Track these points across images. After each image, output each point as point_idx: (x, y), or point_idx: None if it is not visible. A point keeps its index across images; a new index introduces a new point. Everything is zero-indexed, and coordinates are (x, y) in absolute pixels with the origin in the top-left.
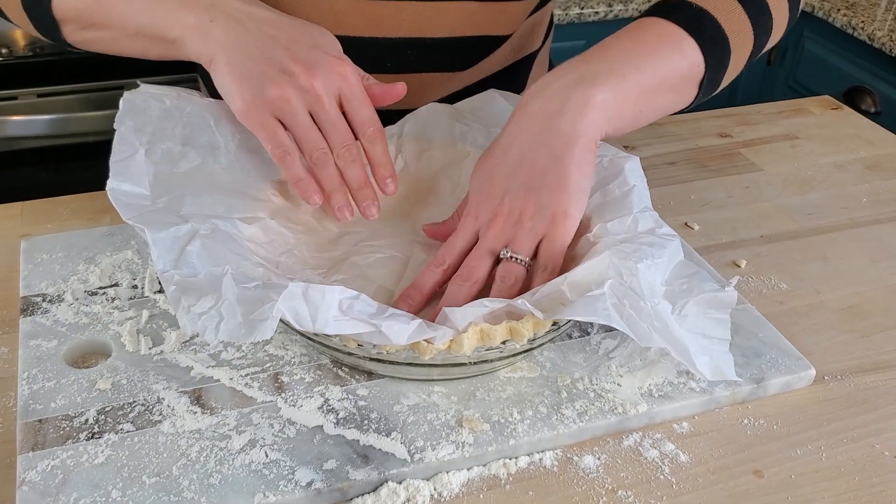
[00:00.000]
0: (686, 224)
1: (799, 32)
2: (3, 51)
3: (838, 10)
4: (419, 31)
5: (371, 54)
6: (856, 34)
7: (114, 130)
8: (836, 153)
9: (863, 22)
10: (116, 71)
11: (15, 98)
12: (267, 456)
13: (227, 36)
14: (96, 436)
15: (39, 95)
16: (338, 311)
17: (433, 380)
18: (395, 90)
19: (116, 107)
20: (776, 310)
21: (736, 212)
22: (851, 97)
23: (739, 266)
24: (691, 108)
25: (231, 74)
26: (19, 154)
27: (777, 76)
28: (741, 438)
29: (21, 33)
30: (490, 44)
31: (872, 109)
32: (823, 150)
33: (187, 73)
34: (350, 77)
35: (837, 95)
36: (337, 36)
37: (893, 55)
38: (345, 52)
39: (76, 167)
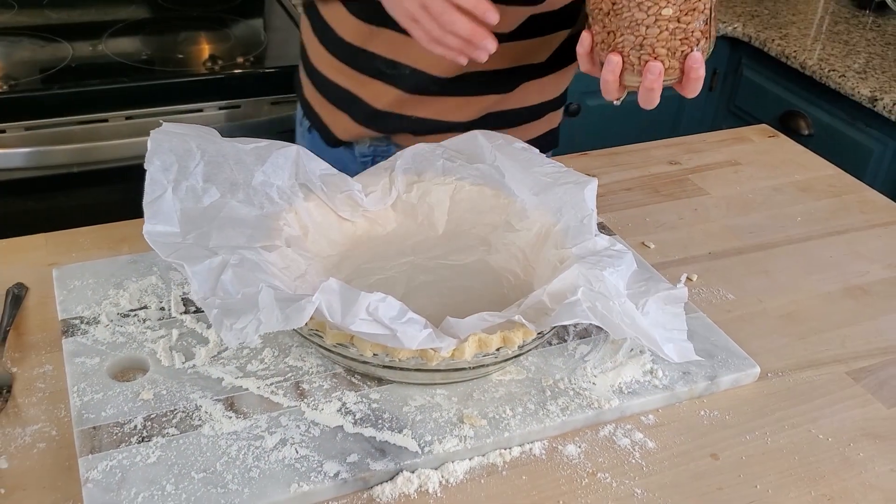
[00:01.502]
0: (643, 243)
1: (737, 60)
2: None
3: (773, 40)
4: None
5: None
6: (789, 62)
7: (95, 162)
8: (774, 177)
9: (795, 51)
10: (98, 106)
11: (3, 131)
12: (297, 452)
13: None
14: (146, 439)
15: (27, 129)
16: (365, 312)
17: (436, 384)
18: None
19: (97, 139)
20: (725, 317)
21: (686, 232)
22: (787, 121)
23: (691, 280)
24: None
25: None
26: (7, 185)
27: (718, 102)
28: (699, 427)
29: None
30: None
31: (806, 132)
32: (762, 174)
33: (160, 107)
34: None
35: (774, 119)
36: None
37: (822, 82)
38: None
39: (61, 197)
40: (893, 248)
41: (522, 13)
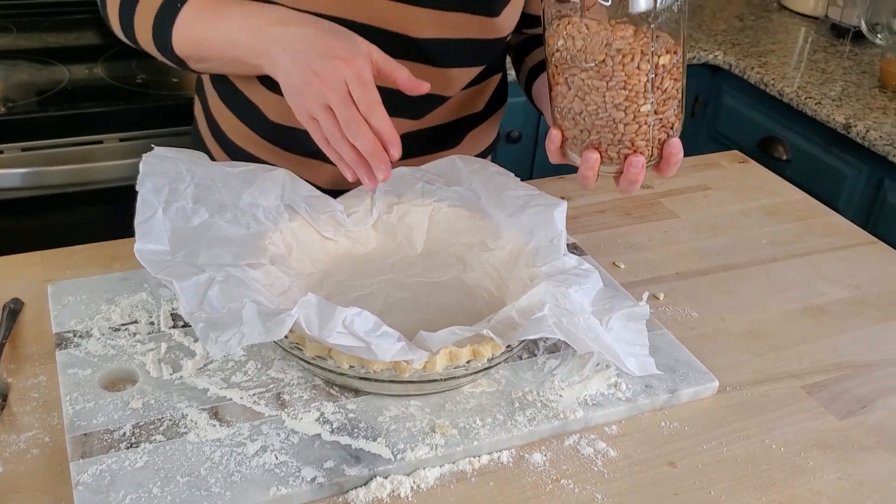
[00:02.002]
0: (614, 263)
1: (718, 87)
2: None
3: (752, 68)
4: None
5: None
6: (767, 90)
7: (90, 183)
8: (742, 201)
9: (773, 79)
10: (93, 128)
11: (1, 152)
12: (277, 458)
13: (279, 62)
14: (134, 445)
15: (24, 150)
16: (341, 326)
17: (410, 395)
18: (419, 86)
19: (93, 160)
20: (688, 334)
21: (656, 253)
22: (766, 146)
23: (658, 299)
24: None
25: (284, 90)
26: (4, 204)
27: (700, 127)
28: (659, 437)
29: None
30: (433, 100)
31: (784, 157)
32: (731, 198)
33: (154, 129)
34: (351, 67)
35: (754, 144)
36: None
37: (799, 109)
38: None
39: (56, 216)
40: (854, 270)
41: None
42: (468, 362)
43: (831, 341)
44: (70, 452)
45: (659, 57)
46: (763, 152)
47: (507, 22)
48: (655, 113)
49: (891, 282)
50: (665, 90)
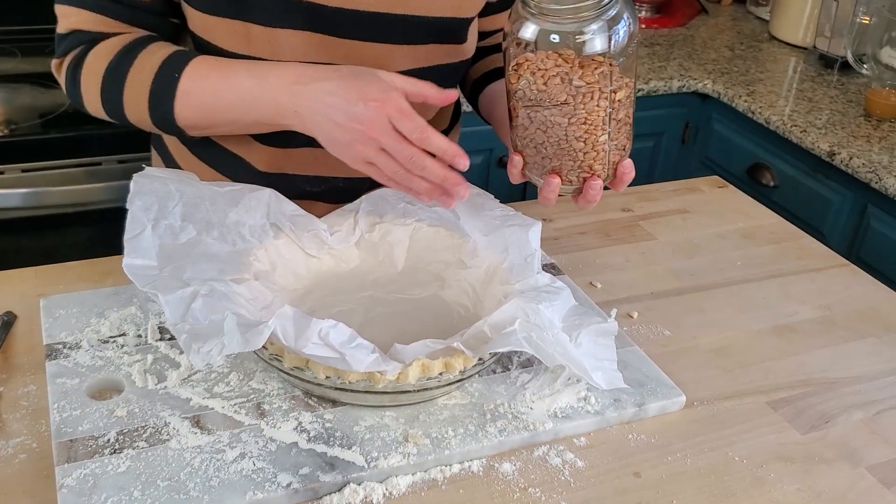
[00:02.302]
0: (591, 283)
1: (708, 115)
2: None
3: (740, 96)
4: None
5: None
6: (755, 117)
7: (90, 203)
8: (719, 225)
9: (760, 107)
10: (93, 150)
11: (2, 173)
12: (254, 465)
13: (314, 121)
14: (117, 451)
15: (24, 171)
16: (317, 337)
17: (385, 406)
18: (448, 96)
19: (94, 181)
20: (660, 351)
21: (632, 273)
22: (754, 173)
23: (632, 317)
24: None
25: (328, 145)
26: (3, 223)
27: (690, 154)
28: (625, 449)
29: None
30: None
31: (772, 184)
32: (709, 222)
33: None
34: (389, 105)
35: (742, 171)
36: None
37: (786, 136)
38: None
39: (54, 235)
40: (824, 291)
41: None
42: (441, 374)
43: (798, 359)
44: (56, 457)
45: (615, 92)
46: (751, 178)
47: (471, 44)
48: (611, 140)
49: (859, 303)
50: (620, 119)
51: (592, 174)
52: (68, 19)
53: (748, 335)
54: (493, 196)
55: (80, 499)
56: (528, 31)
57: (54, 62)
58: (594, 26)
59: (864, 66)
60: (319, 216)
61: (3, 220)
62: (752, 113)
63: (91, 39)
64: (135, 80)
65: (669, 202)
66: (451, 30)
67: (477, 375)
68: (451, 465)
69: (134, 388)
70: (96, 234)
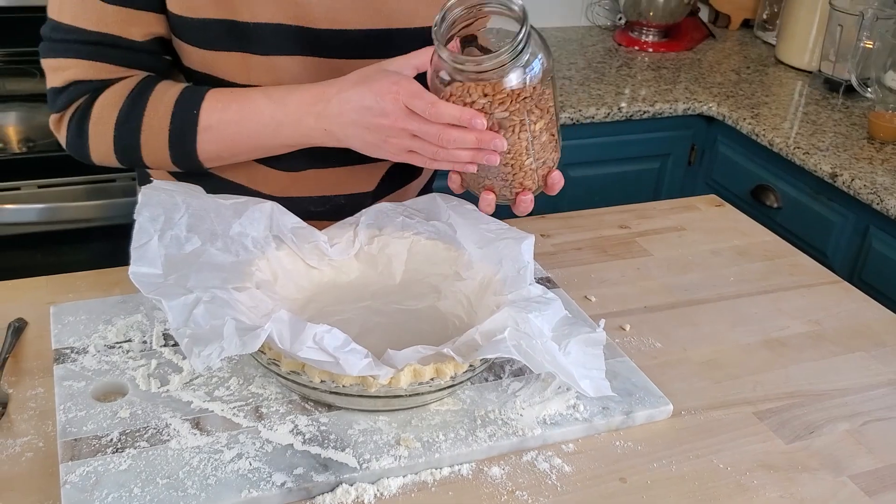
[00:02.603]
0: (585, 297)
1: (714, 137)
2: (0, 146)
3: (744, 119)
4: None
5: None
6: (759, 140)
7: (101, 218)
8: (714, 242)
9: (764, 130)
10: (104, 167)
11: (18, 189)
12: (251, 465)
13: (345, 133)
14: (120, 450)
15: (40, 186)
16: (312, 341)
17: (379, 410)
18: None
19: (107, 197)
20: (650, 363)
21: (627, 288)
22: (758, 194)
23: (625, 329)
24: None
25: (366, 150)
26: (19, 238)
27: (697, 175)
28: (612, 455)
29: (15, 130)
30: None
31: (775, 205)
32: (704, 239)
33: None
34: (402, 90)
35: (746, 192)
36: None
37: (789, 159)
38: None
39: (67, 250)
40: (815, 307)
41: None
42: (432, 379)
43: (787, 371)
44: (60, 455)
45: (535, 123)
46: (755, 200)
47: None
48: (537, 159)
49: (849, 318)
50: (543, 143)
51: (523, 189)
52: (63, 72)
53: (738, 348)
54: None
55: (83, 494)
56: (450, 72)
57: (53, 117)
58: (511, 74)
59: (868, 89)
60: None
61: (18, 234)
62: (756, 135)
63: (92, 89)
64: (151, 124)
65: (666, 220)
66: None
67: (469, 383)
68: (441, 468)
69: (137, 391)
70: (108, 248)
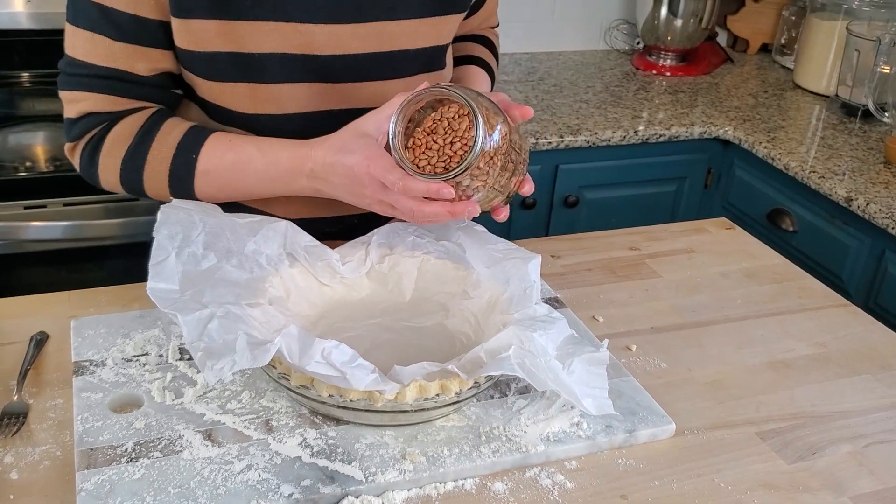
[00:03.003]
0: (593, 317)
1: (730, 161)
2: (28, 164)
3: (760, 142)
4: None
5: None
6: (774, 163)
7: (125, 236)
8: (724, 264)
9: (780, 154)
10: None
11: (45, 206)
12: (260, 476)
13: (334, 193)
14: (134, 460)
15: (65, 204)
16: (320, 356)
17: (385, 425)
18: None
19: (131, 216)
20: (655, 382)
21: (635, 309)
22: (774, 218)
23: (631, 349)
24: None
25: (356, 205)
26: (45, 255)
27: (713, 198)
28: (614, 473)
29: (43, 150)
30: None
31: (791, 229)
32: (713, 261)
33: None
34: (375, 167)
35: (762, 216)
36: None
37: (804, 183)
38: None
39: (92, 267)
40: (822, 329)
41: None
42: (437, 395)
43: (791, 393)
44: (77, 464)
45: (502, 170)
46: (771, 223)
47: (449, 69)
48: (502, 191)
49: (856, 341)
50: (503, 184)
51: (495, 208)
52: (78, 104)
53: (743, 369)
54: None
55: (97, 502)
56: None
57: (67, 146)
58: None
59: (886, 114)
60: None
61: (44, 251)
62: (772, 159)
63: (105, 120)
64: (154, 163)
65: (676, 242)
66: (434, 58)
67: (475, 399)
68: (445, 483)
69: (153, 402)
70: (130, 265)
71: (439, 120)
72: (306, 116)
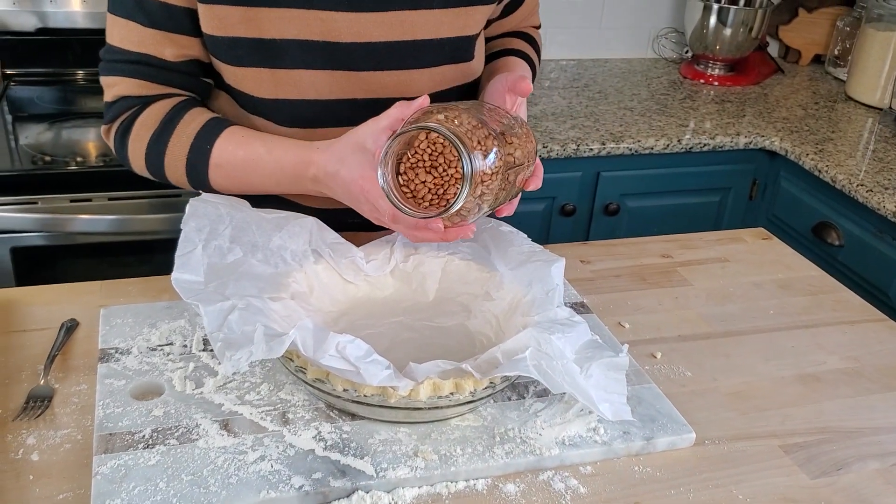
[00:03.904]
0: (619, 323)
1: (776, 172)
2: (79, 159)
3: (808, 154)
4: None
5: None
6: (822, 176)
7: (166, 231)
8: (757, 274)
9: (827, 166)
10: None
11: (90, 200)
12: (272, 467)
13: (335, 196)
14: (150, 446)
15: (110, 199)
16: (334, 350)
17: (399, 422)
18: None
19: (173, 211)
20: (678, 391)
21: (663, 316)
22: (819, 231)
23: (655, 357)
24: None
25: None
26: (89, 247)
27: (758, 210)
28: (630, 480)
29: (94, 146)
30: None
31: (837, 243)
32: (747, 271)
33: None
34: (371, 193)
35: (808, 229)
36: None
37: (851, 196)
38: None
39: (133, 261)
40: (855, 343)
41: None
42: (451, 394)
43: (819, 406)
44: (95, 448)
45: (502, 184)
46: (816, 237)
47: (478, 62)
48: (510, 188)
49: (890, 356)
50: (500, 200)
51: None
52: (113, 88)
53: (770, 381)
54: (524, 234)
55: (112, 485)
56: None
57: (104, 128)
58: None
59: None
60: (360, 245)
61: (88, 244)
62: (819, 171)
63: (137, 104)
64: (174, 150)
65: (711, 250)
66: (460, 49)
67: (491, 400)
68: (456, 482)
69: (173, 391)
70: (170, 259)
71: (433, 143)
72: (327, 104)
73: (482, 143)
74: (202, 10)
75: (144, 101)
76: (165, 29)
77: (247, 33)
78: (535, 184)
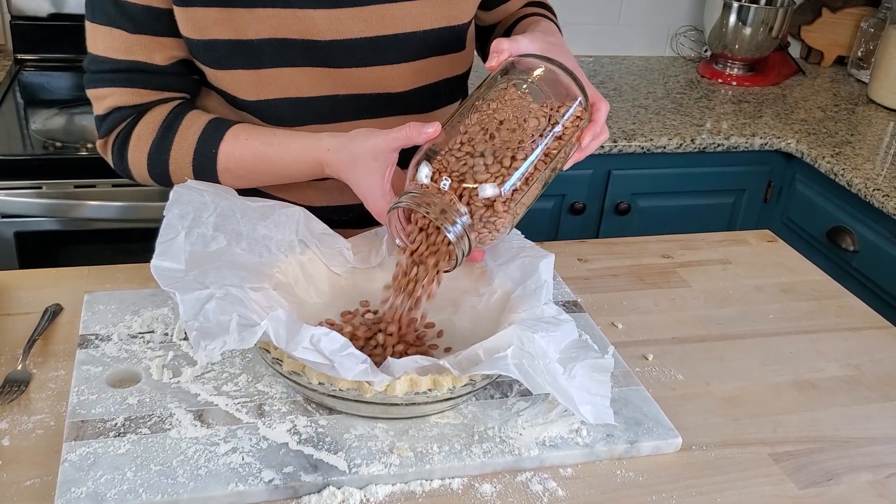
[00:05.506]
0: (612, 323)
1: (792, 175)
2: (89, 146)
3: (823, 157)
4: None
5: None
6: (837, 179)
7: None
8: (759, 277)
9: (843, 169)
10: None
11: (94, 186)
12: (243, 459)
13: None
14: (121, 435)
15: (114, 185)
16: (308, 342)
17: (377, 417)
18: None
19: None
20: (668, 394)
21: (658, 318)
22: (834, 236)
23: (647, 359)
24: None
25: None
26: (93, 233)
27: (773, 213)
28: (610, 484)
29: None
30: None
31: (852, 248)
32: (748, 273)
33: None
34: (373, 204)
35: (822, 234)
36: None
37: (867, 200)
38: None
39: (138, 248)
40: (857, 351)
41: None
42: (429, 390)
43: (813, 414)
44: (65, 435)
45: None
46: (831, 242)
47: (470, 51)
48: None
49: (892, 366)
50: (519, 214)
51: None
52: (105, 100)
53: (765, 387)
54: (516, 230)
55: (79, 473)
56: None
57: (99, 143)
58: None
59: None
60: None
61: (91, 230)
62: (835, 174)
63: (131, 114)
64: (177, 157)
65: (712, 252)
66: (447, 40)
67: (473, 398)
68: (431, 480)
69: (150, 380)
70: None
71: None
72: (309, 101)
73: (495, 176)
74: (178, 12)
75: (139, 111)
76: (152, 33)
77: (224, 34)
78: (593, 132)
